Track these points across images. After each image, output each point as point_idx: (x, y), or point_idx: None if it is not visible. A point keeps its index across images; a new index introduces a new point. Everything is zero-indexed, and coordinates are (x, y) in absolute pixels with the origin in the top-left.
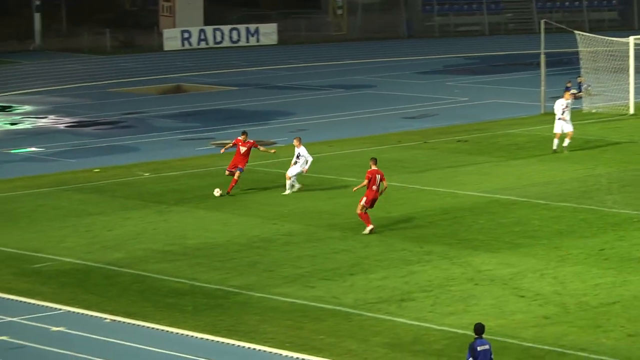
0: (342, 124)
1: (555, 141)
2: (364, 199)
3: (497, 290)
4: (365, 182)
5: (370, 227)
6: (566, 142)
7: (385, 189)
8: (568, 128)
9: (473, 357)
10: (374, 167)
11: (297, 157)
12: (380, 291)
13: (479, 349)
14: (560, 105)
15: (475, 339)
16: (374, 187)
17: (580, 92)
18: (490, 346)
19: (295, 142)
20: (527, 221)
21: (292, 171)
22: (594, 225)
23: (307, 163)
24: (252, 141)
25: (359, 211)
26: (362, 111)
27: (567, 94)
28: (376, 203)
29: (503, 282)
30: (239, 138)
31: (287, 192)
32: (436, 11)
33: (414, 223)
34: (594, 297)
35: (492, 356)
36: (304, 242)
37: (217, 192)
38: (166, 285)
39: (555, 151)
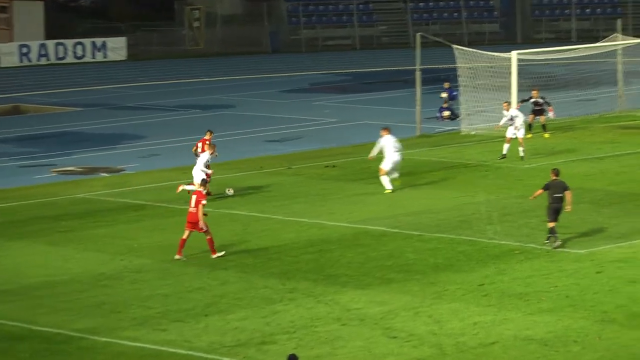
0: None
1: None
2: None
3: (366, 330)
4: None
5: (178, 257)
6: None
7: (201, 209)
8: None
9: None
10: (198, 190)
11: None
12: (239, 333)
13: None
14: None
15: None
16: (190, 209)
17: (452, 100)
18: None
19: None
20: (400, 254)
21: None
22: (472, 258)
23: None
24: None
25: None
26: (220, 134)
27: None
28: (199, 226)
29: (373, 322)
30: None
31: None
32: (303, 23)
33: (277, 257)
34: (472, 337)
35: None
36: (156, 279)
37: (229, 191)
38: (0, 329)
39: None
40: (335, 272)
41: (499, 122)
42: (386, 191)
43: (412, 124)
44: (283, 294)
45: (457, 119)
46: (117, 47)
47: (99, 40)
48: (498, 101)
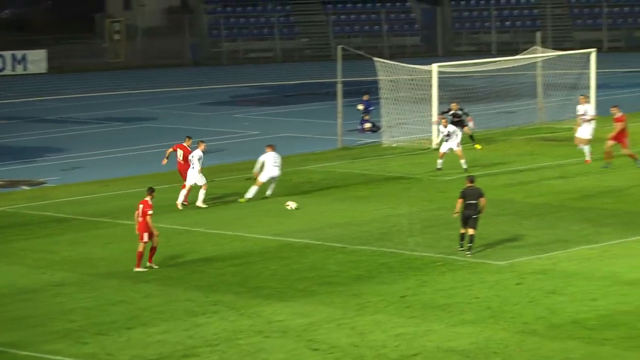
0: (120, 161)
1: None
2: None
3: (289, 343)
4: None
5: (139, 269)
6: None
7: (149, 220)
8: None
9: None
10: (145, 199)
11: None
12: (161, 346)
13: None
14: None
15: None
16: (139, 219)
17: (367, 113)
18: None
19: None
20: (323, 266)
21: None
22: (395, 270)
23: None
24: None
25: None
26: (142, 147)
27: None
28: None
29: (296, 334)
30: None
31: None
32: (224, 36)
33: (200, 270)
34: (394, 349)
35: None
36: (77, 292)
37: (291, 205)
38: None
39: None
40: (258, 284)
41: (421, 134)
42: (242, 200)
43: (333, 137)
44: (206, 307)
45: (379, 131)
46: (37, 60)
47: (19, 53)
48: (419, 113)
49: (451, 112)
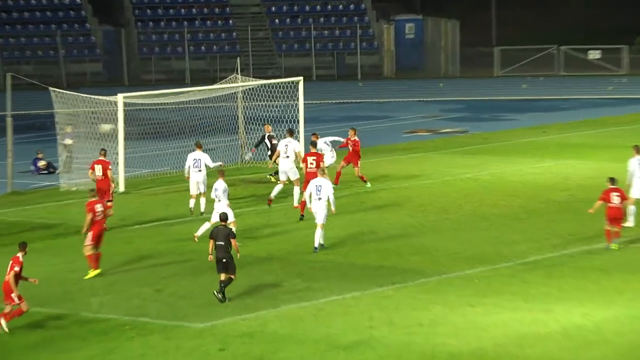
0: None
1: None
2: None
3: None
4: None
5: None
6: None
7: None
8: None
9: None
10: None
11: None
12: None
13: None
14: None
15: None
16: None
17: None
18: None
19: None
20: None
21: None
22: (76, 335)
23: None
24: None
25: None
26: None
27: None
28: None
29: None
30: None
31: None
32: None
33: None
34: None
35: None
36: None
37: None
38: None
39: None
40: None
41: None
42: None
43: (2, 179)
44: None
45: (56, 172)
46: None
47: None
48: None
49: (267, 134)
